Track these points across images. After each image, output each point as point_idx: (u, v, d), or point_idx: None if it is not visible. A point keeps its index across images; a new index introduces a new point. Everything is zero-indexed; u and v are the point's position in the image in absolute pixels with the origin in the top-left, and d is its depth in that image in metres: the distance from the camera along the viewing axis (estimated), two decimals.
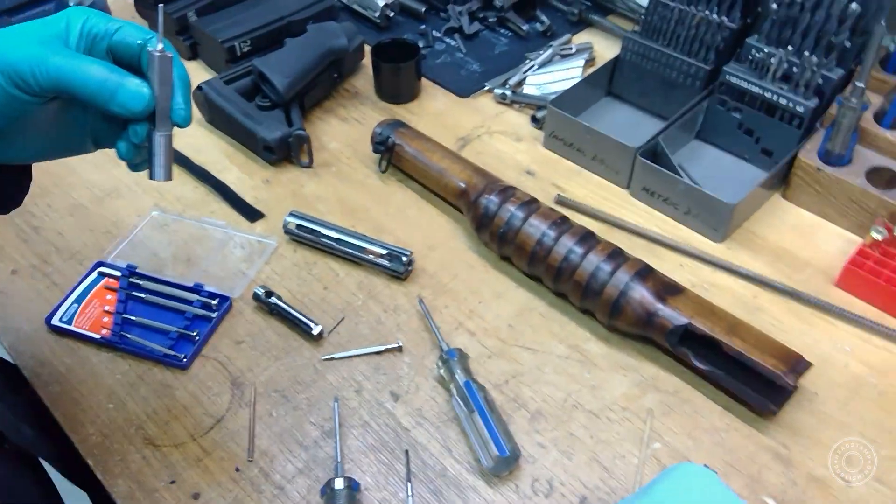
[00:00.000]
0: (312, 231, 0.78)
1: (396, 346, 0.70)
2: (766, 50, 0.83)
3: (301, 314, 0.71)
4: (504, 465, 0.61)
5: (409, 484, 0.60)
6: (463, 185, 0.80)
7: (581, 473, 0.62)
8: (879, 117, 0.81)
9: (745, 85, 0.85)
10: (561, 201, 0.85)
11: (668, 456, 0.62)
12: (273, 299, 0.72)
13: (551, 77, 1.01)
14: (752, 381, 0.64)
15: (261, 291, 0.73)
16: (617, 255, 0.70)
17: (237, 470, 0.62)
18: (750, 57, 0.85)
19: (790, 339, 0.69)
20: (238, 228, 0.82)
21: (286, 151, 0.89)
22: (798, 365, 0.62)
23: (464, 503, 0.60)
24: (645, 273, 0.69)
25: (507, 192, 0.77)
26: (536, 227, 0.73)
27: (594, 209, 0.83)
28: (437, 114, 0.98)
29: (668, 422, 0.65)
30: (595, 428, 0.65)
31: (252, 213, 0.83)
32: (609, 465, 0.62)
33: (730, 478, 0.61)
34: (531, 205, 0.76)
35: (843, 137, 0.78)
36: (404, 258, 0.75)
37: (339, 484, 0.58)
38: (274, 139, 0.86)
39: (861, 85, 0.75)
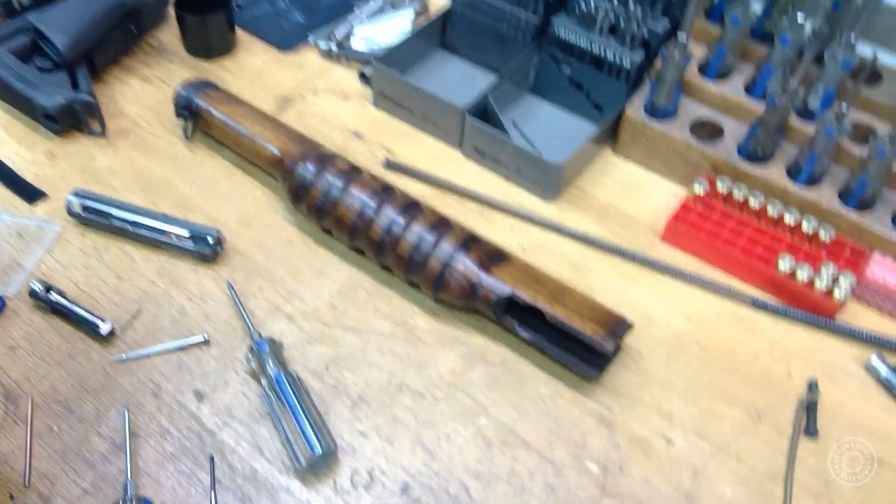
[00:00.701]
0: (101, 213, 0.68)
1: (202, 339, 0.63)
2: (592, 2, 0.80)
3: (86, 311, 0.63)
4: (319, 462, 0.56)
5: (213, 493, 0.55)
6: (277, 152, 0.73)
7: (403, 459, 0.58)
8: (705, 68, 0.80)
9: (572, 38, 0.82)
10: (390, 165, 0.79)
11: (494, 430, 0.60)
12: (53, 295, 0.63)
13: (380, 29, 0.94)
14: (577, 346, 0.62)
15: (38, 287, 0.63)
16: (441, 225, 0.66)
17: (11, 498, 0.53)
18: (577, 9, 0.82)
19: (616, 298, 0.68)
20: (13, 212, 0.71)
21: (72, 120, 0.77)
22: (618, 328, 0.61)
23: None
24: (469, 243, 0.65)
25: (325, 159, 0.71)
26: (357, 198, 0.68)
27: (425, 172, 0.79)
28: (255, 71, 0.89)
29: (493, 394, 0.62)
30: (420, 409, 0.61)
31: (31, 194, 0.72)
32: (433, 447, 0.59)
33: (553, 447, 0.59)
34: (352, 173, 0.70)
35: (667, 90, 0.77)
36: (210, 239, 0.68)
37: None
38: (54, 106, 0.75)
39: (683, 37, 0.74)
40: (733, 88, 0.78)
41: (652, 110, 0.78)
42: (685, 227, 0.72)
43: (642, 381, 0.64)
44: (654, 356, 0.66)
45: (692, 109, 0.79)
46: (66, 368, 0.61)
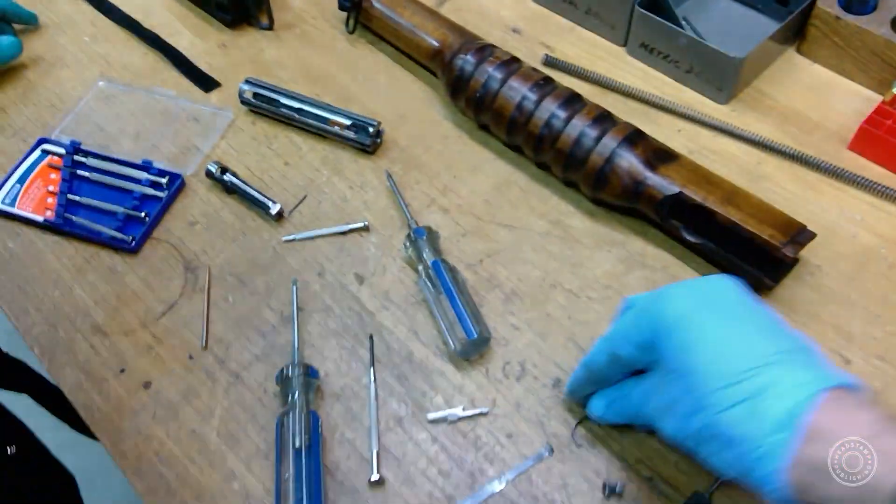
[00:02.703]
0: (270, 100, 0.71)
1: (362, 225, 0.65)
2: None
3: (259, 192, 0.66)
4: (473, 347, 0.56)
5: (371, 369, 0.57)
6: (437, 44, 0.72)
7: (556, 355, 0.58)
8: None
9: None
10: (549, 62, 0.76)
11: None
12: (228, 176, 0.66)
13: None
14: (749, 254, 0.58)
15: (214, 168, 0.67)
16: (604, 120, 0.63)
17: (190, 358, 0.58)
18: None
19: (795, 208, 0.63)
20: (191, 99, 0.74)
21: (243, 11, 0.80)
22: (799, 235, 0.56)
23: (430, 387, 0.56)
24: (634, 138, 0.62)
25: (484, 50, 0.69)
26: (516, 90, 0.65)
27: (586, 70, 0.75)
28: None
29: None
30: (574, 308, 0.60)
31: (207, 82, 0.76)
32: (586, 345, 0.58)
33: None
34: (511, 65, 0.67)
35: None
36: (371, 129, 0.68)
37: (293, 370, 0.54)
38: None
39: None
40: None
41: (847, 4, 0.70)
42: (879, 133, 0.65)
43: (820, 297, 0.59)
44: (835, 272, 0.60)
45: (894, 2, 0.70)
46: (240, 244, 0.64)
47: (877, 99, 0.69)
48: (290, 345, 0.58)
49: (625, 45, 0.77)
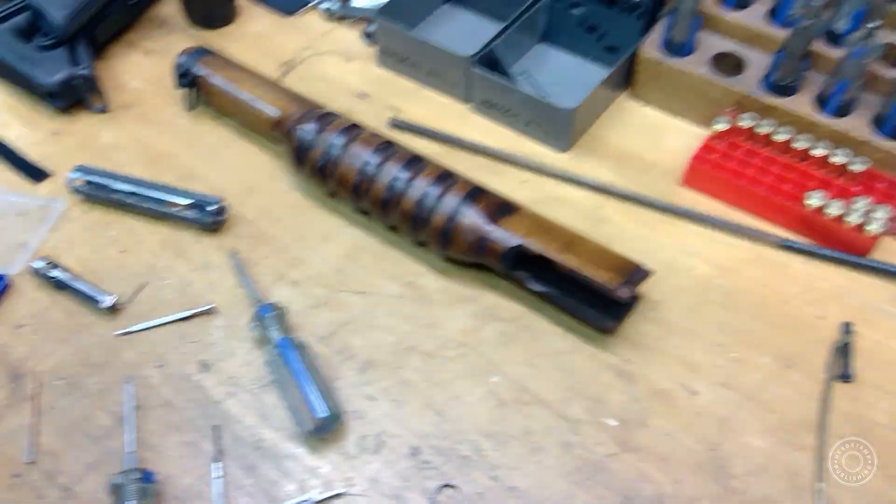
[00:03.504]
0: (103, 187, 0.68)
1: (207, 308, 0.62)
2: None
3: (89, 286, 0.62)
4: (324, 426, 0.54)
5: (217, 464, 0.54)
6: (277, 114, 0.71)
7: (413, 422, 0.56)
8: None
9: None
10: (396, 124, 0.77)
11: (507, 388, 0.58)
12: (56, 272, 0.62)
13: None
14: (593, 298, 0.59)
15: (40, 264, 0.63)
16: (446, 178, 0.63)
17: (15, 476, 0.53)
18: None
19: (635, 247, 0.64)
20: (18, 192, 0.70)
21: (74, 96, 0.77)
22: (635, 275, 0.58)
23: (282, 475, 0.54)
24: (476, 194, 0.63)
25: (325, 118, 0.68)
26: (358, 156, 0.65)
27: (433, 129, 0.76)
28: (257, 37, 0.87)
29: (507, 352, 0.60)
30: (430, 370, 0.59)
31: (36, 173, 0.72)
32: (444, 408, 0.57)
33: (570, 403, 0.57)
34: (352, 130, 0.67)
35: (683, 24, 0.72)
36: (212, 207, 0.66)
37: (121, 479, 0.50)
38: (54, 83, 0.74)
39: None
40: (754, 16, 0.73)
41: (669, 47, 0.74)
42: (707, 167, 0.68)
43: (664, 331, 0.61)
44: (676, 305, 0.62)
45: (712, 43, 0.74)
46: (71, 344, 0.60)
47: (705, 135, 0.72)
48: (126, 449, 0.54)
49: (468, 102, 0.79)
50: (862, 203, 0.63)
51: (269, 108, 0.71)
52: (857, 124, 0.66)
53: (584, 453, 0.54)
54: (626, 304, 0.58)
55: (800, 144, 0.66)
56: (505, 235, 0.60)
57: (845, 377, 0.58)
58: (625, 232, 0.67)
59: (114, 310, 0.62)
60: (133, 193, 0.67)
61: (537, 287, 0.60)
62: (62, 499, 0.52)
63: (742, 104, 0.70)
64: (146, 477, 0.51)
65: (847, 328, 0.60)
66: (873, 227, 0.62)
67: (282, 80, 0.81)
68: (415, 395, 0.58)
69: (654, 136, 0.75)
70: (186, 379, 0.58)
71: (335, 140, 0.66)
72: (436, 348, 0.60)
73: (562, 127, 0.72)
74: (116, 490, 0.51)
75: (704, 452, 0.54)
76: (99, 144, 0.75)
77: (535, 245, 0.59)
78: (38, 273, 0.63)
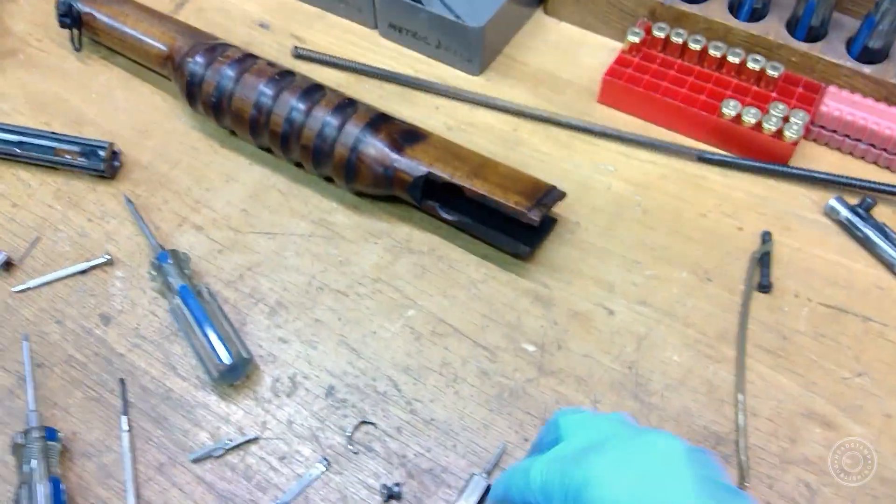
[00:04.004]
0: None
1: (104, 260, 0.59)
2: None
3: None
4: (232, 372, 0.52)
5: (124, 417, 0.52)
6: (165, 48, 0.66)
7: (327, 362, 0.55)
8: None
9: None
10: (300, 55, 0.73)
11: (423, 321, 0.56)
12: None
13: None
14: (508, 223, 0.57)
15: None
16: (345, 107, 0.60)
17: None
18: None
19: (550, 169, 0.63)
20: None
21: None
22: (546, 197, 0.56)
23: (193, 424, 0.52)
24: (378, 123, 0.60)
25: (215, 50, 0.64)
26: (251, 87, 0.61)
27: (339, 59, 0.72)
28: None
29: (422, 285, 0.58)
30: (343, 308, 0.57)
31: None
32: (358, 346, 0.55)
33: (487, 331, 0.56)
34: (245, 61, 0.63)
35: None
36: (102, 152, 0.62)
37: (22, 438, 0.48)
38: None
39: None
40: None
41: None
42: (621, 82, 0.66)
43: (580, 253, 0.60)
44: (592, 226, 0.61)
45: None
46: None
47: (619, 49, 0.70)
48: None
49: (376, 27, 0.75)
50: (779, 109, 0.62)
51: (157, 43, 0.67)
52: (771, 28, 0.64)
53: (503, 380, 0.54)
54: (541, 227, 0.56)
55: (715, 52, 0.65)
56: (411, 164, 0.58)
57: (764, 287, 0.57)
58: (541, 154, 0.65)
59: (8, 266, 0.58)
60: (20, 143, 0.63)
61: (449, 216, 0.58)
62: None
63: (656, 13, 0.68)
64: (49, 434, 0.49)
65: (766, 237, 0.60)
66: (791, 133, 0.61)
67: (176, 12, 0.76)
68: (328, 334, 0.56)
69: (570, 54, 0.72)
70: (88, 333, 0.56)
71: (227, 72, 0.62)
72: (348, 285, 0.58)
73: (473, 48, 0.69)
74: (18, 449, 0.48)
75: (623, 370, 0.54)
76: None
77: (443, 172, 0.57)
78: None
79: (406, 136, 0.60)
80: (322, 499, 0.49)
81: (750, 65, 0.64)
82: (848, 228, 0.60)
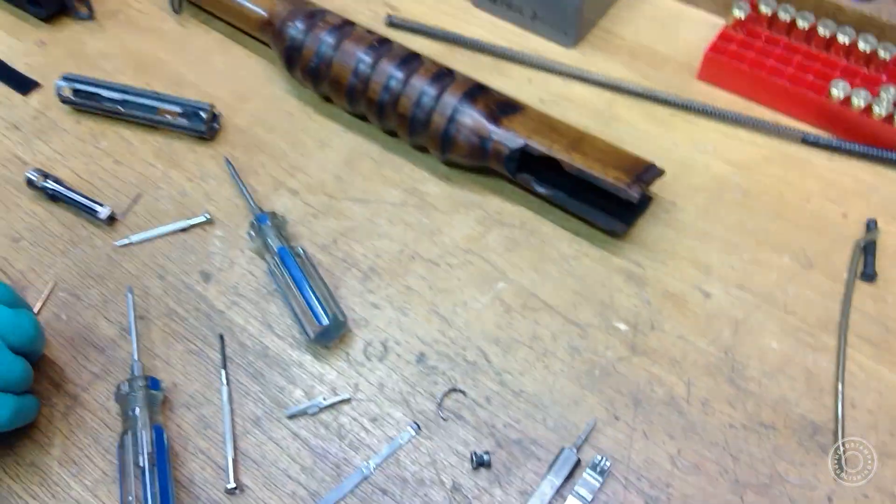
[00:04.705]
0: (91, 95, 0.65)
1: (204, 218, 0.60)
2: None
3: (85, 197, 0.60)
4: (328, 334, 0.53)
5: (223, 371, 0.53)
6: (265, 13, 0.67)
7: (418, 329, 0.55)
8: None
9: None
10: (393, 23, 0.73)
11: (513, 295, 0.56)
12: (49, 183, 0.61)
13: None
14: (603, 199, 0.56)
15: (34, 175, 0.61)
16: (443, 77, 0.60)
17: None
18: None
19: (647, 146, 0.61)
20: (8, 104, 0.68)
21: (58, 3, 0.73)
22: (645, 174, 0.55)
23: (288, 382, 0.53)
24: (475, 93, 0.59)
25: (314, 15, 0.64)
26: (350, 54, 0.62)
27: (432, 28, 0.72)
28: None
29: (513, 258, 0.58)
30: (434, 277, 0.58)
31: (23, 84, 0.69)
32: (449, 315, 0.56)
33: (578, 308, 0.55)
34: (344, 28, 0.63)
35: None
36: (203, 114, 0.64)
37: (130, 386, 0.50)
38: None
39: None
40: None
41: None
42: (724, 59, 0.64)
43: (677, 233, 0.58)
44: (690, 206, 0.60)
45: None
46: (71, 256, 0.59)
47: (722, 24, 0.68)
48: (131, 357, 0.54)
49: None
50: (890, 93, 0.59)
51: (257, 7, 0.67)
52: (885, 7, 0.61)
53: (594, 357, 0.53)
54: (636, 205, 0.55)
55: (823, 31, 0.62)
56: (508, 136, 0.58)
57: (868, 276, 0.55)
58: (637, 130, 0.64)
59: (111, 221, 0.61)
60: (124, 101, 0.65)
61: (543, 190, 0.58)
62: (70, 407, 0.52)
63: None
64: (153, 384, 0.51)
65: (871, 225, 0.57)
66: None
67: None
68: (419, 302, 0.56)
69: (668, 28, 0.70)
70: (189, 288, 0.57)
71: (327, 38, 0.63)
72: (440, 255, 0.59)
73: (569, 19, 0.68)
74: (123, 397, 0.50)
75: (718, 355, 0.53)
76: (85, 53, 0.72)
77: (541, 145, 0.57)
78: (31, 184, 0.61)
79: (503, 107, 0.59)
80: (413, 461, 0.50)
81: (861, 45, 0.61)
82: None
